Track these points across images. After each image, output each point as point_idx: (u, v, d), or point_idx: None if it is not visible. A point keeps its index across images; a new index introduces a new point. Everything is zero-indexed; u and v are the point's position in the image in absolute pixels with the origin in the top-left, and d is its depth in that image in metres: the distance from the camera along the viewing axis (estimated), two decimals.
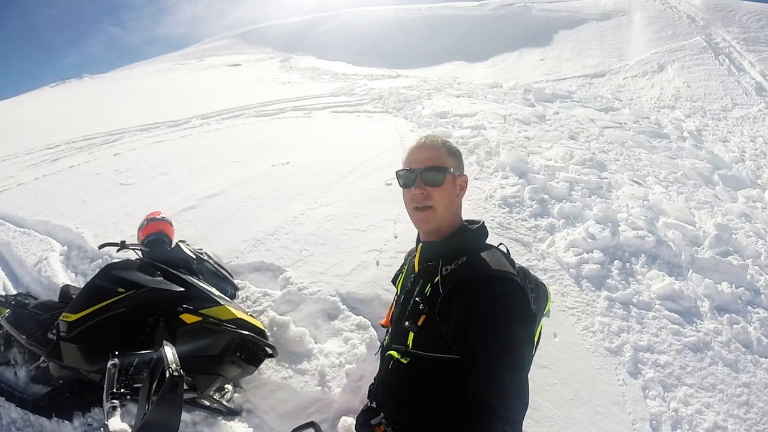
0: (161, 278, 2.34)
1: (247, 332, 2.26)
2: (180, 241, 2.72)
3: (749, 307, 3.92)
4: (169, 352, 1.15)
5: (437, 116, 8.18)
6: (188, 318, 2.19)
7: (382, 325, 1.58)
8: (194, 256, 2.62)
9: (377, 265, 3.68)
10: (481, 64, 17.42)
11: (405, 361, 1.27)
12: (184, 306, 2.23)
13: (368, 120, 8.14)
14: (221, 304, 2.30)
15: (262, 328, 2.42)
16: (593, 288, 3.81)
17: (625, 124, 9.58)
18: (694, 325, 3.61)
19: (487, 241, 1.38)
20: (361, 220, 4.35)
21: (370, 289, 3.38)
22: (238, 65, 16.81)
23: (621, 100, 12.45)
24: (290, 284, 3.19)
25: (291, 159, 5.80)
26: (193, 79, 13.99)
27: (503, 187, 5.22)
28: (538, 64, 16.82)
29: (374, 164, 5.76)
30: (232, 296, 2.68)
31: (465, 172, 1.39)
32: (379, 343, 2.96)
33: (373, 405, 1.47)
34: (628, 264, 4.24)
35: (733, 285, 4.11)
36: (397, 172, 1.37)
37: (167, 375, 1.08)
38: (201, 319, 2.20)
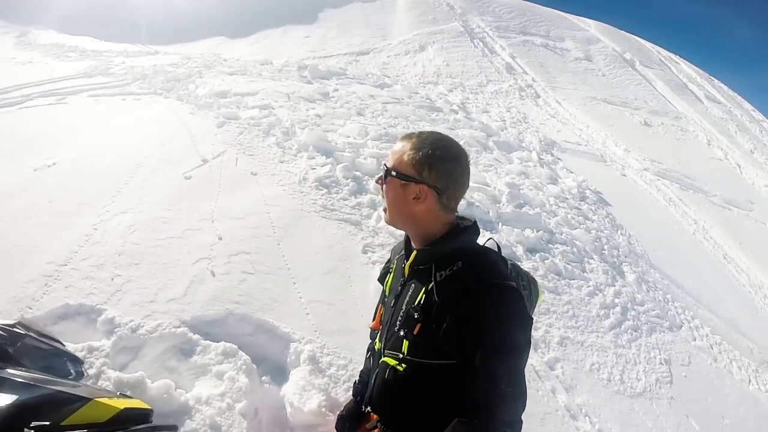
0: None
1: (140, 426, 1.69)
2: None
3: (550, 245, 5.18)
4: None
5: (217, 96, 8.02)
6: None
7: (372, 328, 1.63)
8: (3, 333, 1.78)
9: (214, 276, 3.42)
10: (244, 40, 17.25)
11: (402, 368, 1.35)
12: (34, 424, 1.49)
13: (137, 104, 7.50)
14: (90, 399, 1.59)
15: (148, 407, 1.84)
16: None
17: (402, 99, 10.88)
18: None
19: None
20: (173, 225, 3.96)
21: (219, 305, 3.11)
22: None
23: (389, 77, 14.04)
24: (118, 327, 2.62)
25: (57, 159, 4.95)
26: None
27: (314, 168, 5.44)
28: (304, 41, 17.53)
29: (163, 156, 5.35)
30: (80, 375, 1.96)
31: (433, 182, 1.41)
32: (255, 366, 2.77)
33: (367, 409, 1.54)
34: None
35: (534, 230, 5.30)
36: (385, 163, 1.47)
37: None
38: None
